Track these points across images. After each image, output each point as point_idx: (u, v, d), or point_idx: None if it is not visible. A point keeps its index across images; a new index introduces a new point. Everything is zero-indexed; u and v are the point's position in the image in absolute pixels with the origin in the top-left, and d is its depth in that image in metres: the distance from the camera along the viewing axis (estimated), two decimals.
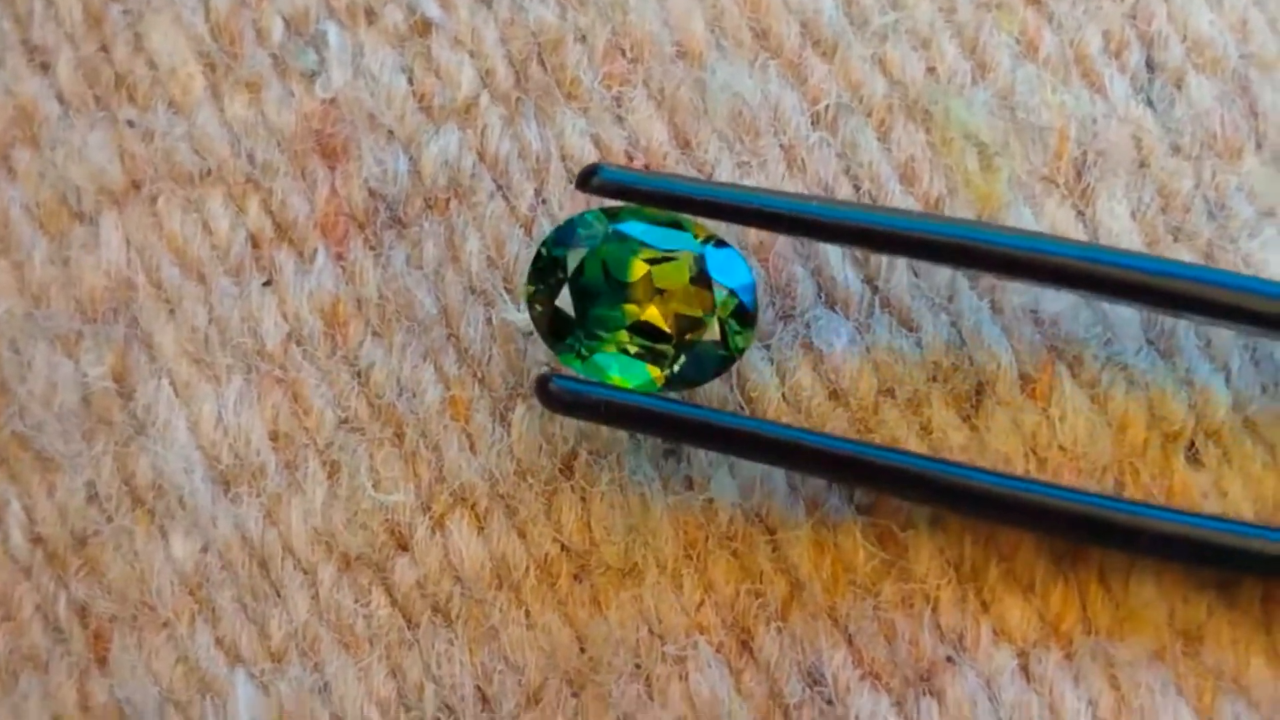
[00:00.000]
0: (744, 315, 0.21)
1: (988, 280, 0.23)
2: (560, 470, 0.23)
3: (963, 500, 0.21)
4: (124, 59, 0.24)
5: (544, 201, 0.23)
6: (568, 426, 0.23)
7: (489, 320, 0.23)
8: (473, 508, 0.23)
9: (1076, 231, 0.23)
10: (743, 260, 0.22)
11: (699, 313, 0.21)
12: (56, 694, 0.23)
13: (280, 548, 0.23)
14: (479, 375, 0.23)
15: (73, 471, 0.24)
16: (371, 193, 0.24)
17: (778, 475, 0.22)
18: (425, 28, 0.24)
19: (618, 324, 0.21)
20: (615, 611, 0.22)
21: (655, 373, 0.21)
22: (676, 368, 0.21)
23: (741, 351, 0.22)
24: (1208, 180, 0.23)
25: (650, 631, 0.22)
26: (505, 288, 0.23)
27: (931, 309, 0.23)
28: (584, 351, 0.22)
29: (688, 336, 0.21)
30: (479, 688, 0.23)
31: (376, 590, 0.23)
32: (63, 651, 0.23)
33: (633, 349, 0.21)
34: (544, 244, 0.22)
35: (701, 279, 0.21)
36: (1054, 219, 0.23)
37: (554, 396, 0.21)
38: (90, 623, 0.23)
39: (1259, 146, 0.23)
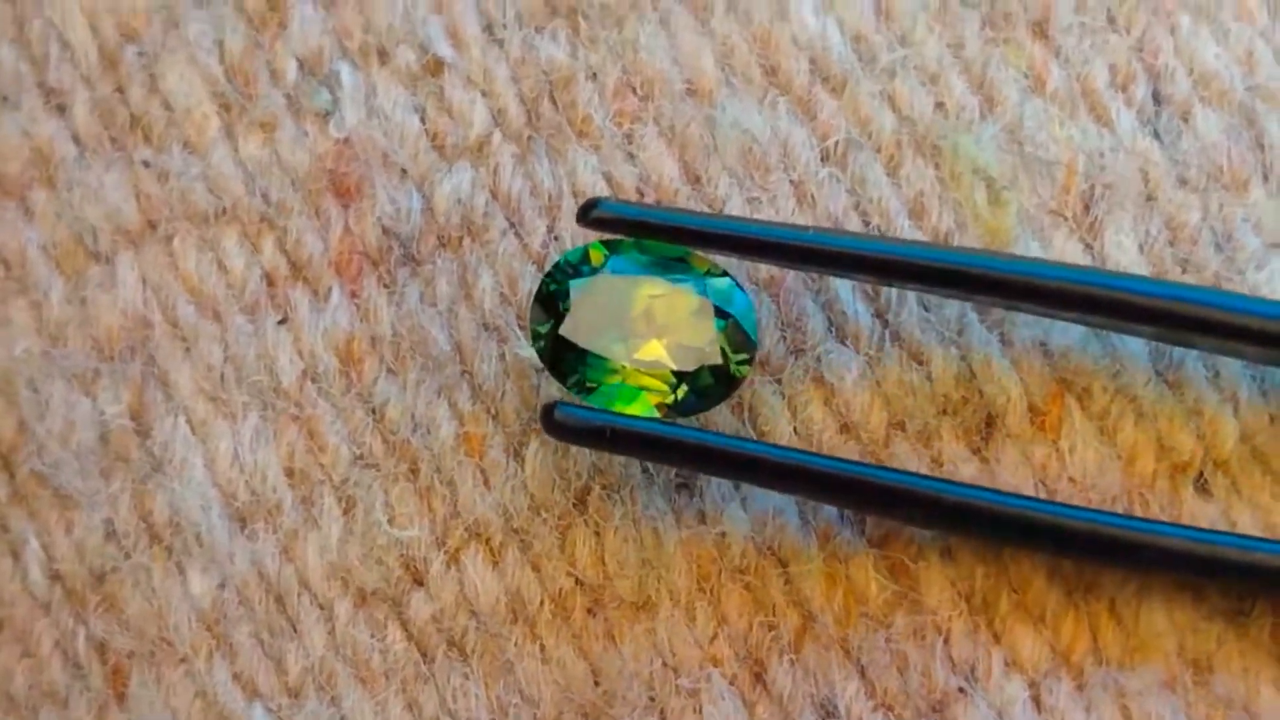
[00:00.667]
0: (744, 342, 0.22)
1: (997, 313, 0.23)
2: (574, 505, 0.23)
3: (972, 522, 0.22)
4: (139, 100, 0.25)
5: (556, 238, 0.24)
6: (581, 462, 0.23)
7: (502, 356, 0.23)
8: (487, 542, 0.23)
9: (1085, 260, 0.23)
10: (740, 289, 0.22)
11: (700, 343, 0.21)
12: None
13: (296, 583, 0.23)
14: (493, 411, 0.23)
15: (90, 509, 0.24)
16: (385, 231, 0.24)
17: (790, 508, 0.23)
18: (437, 67, 0.24)
19: (620, 356, 0.21)
20: (629, 645, 0.23)
21: (658, 401, 0.22)
22: (679, 396, 0.22)
23: (744, 378, 0.22)
24: (1215, 212, 0.23)
25: (664, 664, 0.22)
26: (518, 324, 0.23)
27: (941, 342, 0.23)
28: (588, 383, 0.22)
29: (689, 366, 0.21)
30: None
31: (392, 625, 0.23)
32: (82, 687, 0.24)
33: (635, 380, 0.22)
34: (546, 277, 0.22)
35: (701, 309, 0.21)
36: (1062, 252, 0.23)
37: (560, 424, 0.22)
38: (109, 659, 0.24)
39: (1266, 179, 0.23)
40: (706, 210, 0.23)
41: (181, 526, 0.24)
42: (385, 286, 0.24)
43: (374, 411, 0.23)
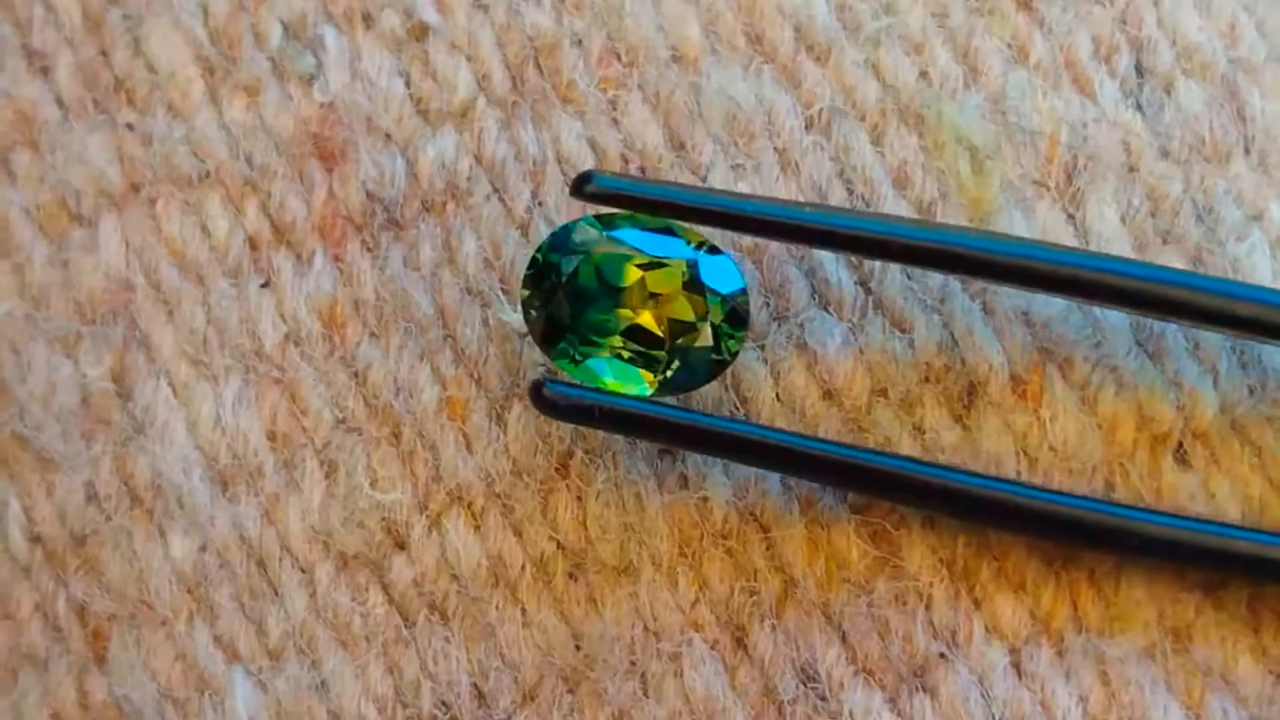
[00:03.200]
0: (736, 320, 0.22)
1: (979, 283, 0.23)
2: (556, 469, 0.23)
3: (954, 504, 0.22)
4: (123, 63, 0.25)
5: (540, 204, 0.24)
6: (564, 427, 0.23)
7: (485, 321, 0.23)
8: (469, 507, 0.23)
9: (1066, 234, 0.23)
10: (735, 266, 0.22)
11: (692, 318, 0.21)
12: (55, 692, 0.23)
13: (278, 547, 0.23)
14: (475, 376, 0.23)
15: (72, 471, 0.24)
16: (369, 195, 0.24)
17: (772, 475, 0.23)
18: (422, 32, 0.24)
19: (611, 329, 0.22)
20: (611, 609, 0.23)
21: (648, 378, 0.22)
22: (669, 373, 0.22)
23: (734, 356, 0.22)
24: (1196, 184, 0.23)
25: (645, 629, 0.23)
26: (502, 289, 0.23)
27: (924, 310, 0.23)
28: (578, 356, 0.22)
29: (680, 341, 0.22)
30: (475, 685, 0.23)
31: (373, 588, 0.23)
32: (62, 650, 0.24)
33: (626, 354, 0.22)
34: (539, 250, 0.22)
35: (694, 285, 0.22)
36: (1045, 222, 0.23)
37: (548, 401, 0.22)
38: (89, 621, 0.24)
39: (1247, 151, 0.23)
40: (698, 184, 0.23)
41: (163, 489, 0.24)
42: (369, 250, 0.24)
43: (356, 375, 0.23)
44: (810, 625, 0.22)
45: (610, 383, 0.22)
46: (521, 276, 0.22)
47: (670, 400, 0.22)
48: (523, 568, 0.23)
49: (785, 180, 0.23)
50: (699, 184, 0.23)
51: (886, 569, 0.22)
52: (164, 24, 0.25)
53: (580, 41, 0.24)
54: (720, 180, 0.23)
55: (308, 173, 0.24)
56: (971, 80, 0.23)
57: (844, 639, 0.22)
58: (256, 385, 0.24)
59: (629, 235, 0.22)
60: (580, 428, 0.23)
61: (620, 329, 0.22)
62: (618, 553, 0.23)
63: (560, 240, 0.22)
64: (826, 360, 0.23)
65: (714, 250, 0.22)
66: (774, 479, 0.23)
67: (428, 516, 0.23)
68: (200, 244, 0.24)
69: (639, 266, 0.21)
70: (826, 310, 0.23)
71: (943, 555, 0.22)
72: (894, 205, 0.23)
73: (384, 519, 0.23)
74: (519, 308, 0.23)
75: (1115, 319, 0.23)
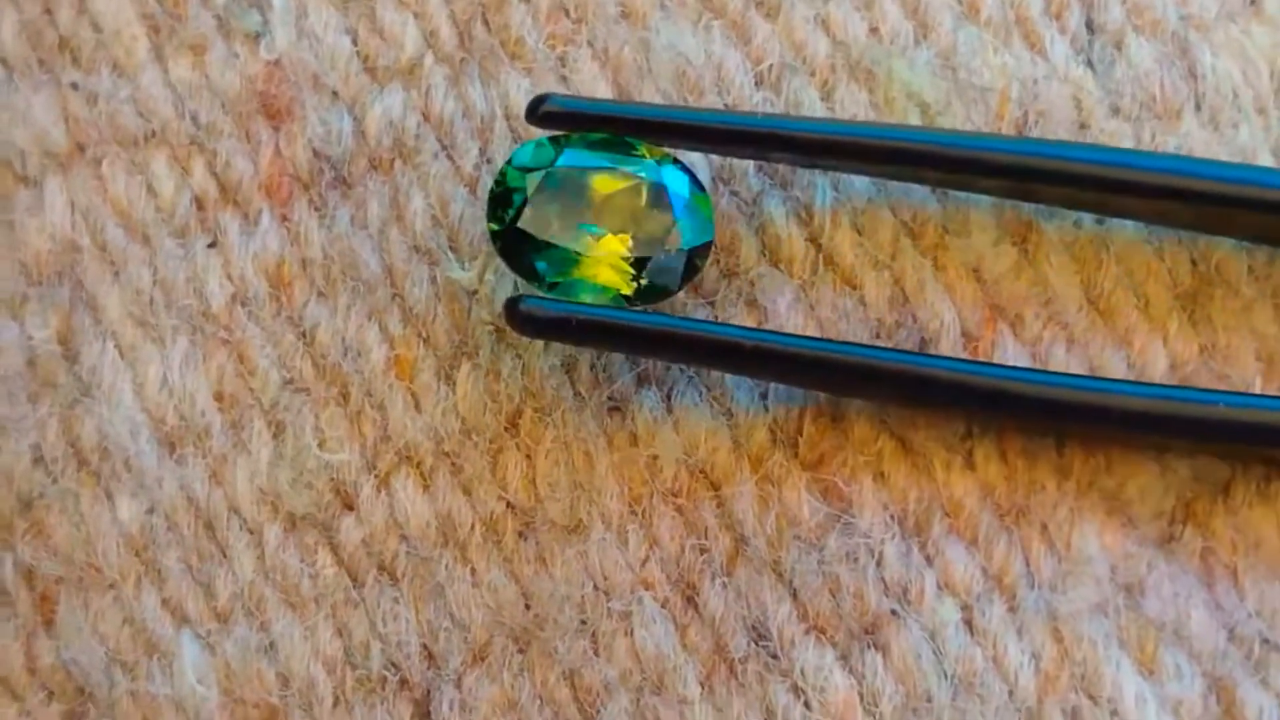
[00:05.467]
0: (701, 228, 0.22)
1: (930, 239, 0.23)
2: (505, 428, 0.23)
3: (942, 394, 0.22)
4: (68, 22, 0.24)
5: (489, 161, 0.23)
6: (513, 385, 0.23)
7: (434, 279, 0.23)
8: (418, 466, 0.23)
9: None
10: (694, 176, 0.22)
11: (658, 231, 0.21)
12: (3, 656, 0.23)
13: (226, 508, 0.23)
14: (424, 334, 0.23)
15: (18, 435, 0.24)
16: (316, 153, 0.24)
17: (722, 431, 0.22)
18: None
19: (578, 247, 0.21)
20: (560, 568, 0.22)
21: (618, 292, 0.22)
22: (640, 285, 0.22)
23: (703, 264, 0.22)
24: (1147, 141, 0.23)
25: (595, 588, 0.22)
26: (450, 247, 0.23)
27: (875, 266, 0.23)
28: (549, 275, 0.22)
29: (648, 253, 0.21)
30: (425, 645, 0.23)
31: (322, 549, 0.23)
32: (9, 614, 0.23)
33: (594, 272, 0.21)
34: (499, 176, 0.22)
35: (657, 196, 0.21)
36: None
37: (525, 316, 0.21)
38: (37, 585, 0.23)
39: (1198, 108, 0.23)
40: (653, 102, 0.23)
41: (110, 452, 0.23)
42: (316, 209, 0.24)
43: (304, 335, 0.23)
44: (761, 583, 0.22)
45: (584, 298, 0.22)
46: (485, 207, 0.22)
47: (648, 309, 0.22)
48: (472, 527, 0.23)
49: None
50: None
51: (838, 526, 0.22)
52: None
53: None
54: None
55: (254, 131, 0.24)
56: (922, 36, 0.23)
57: (795, 596, 0.22)
58: (204, 346, 0.23)
59: (586, 154, 0.22)
60: (529, 387, 0.23)
61: (587, 246, 0.21)
62: (567, 511, 0.23)
63: (519, 163, 0.22)
64: (777, 317, 0.23)
65: (672, 161, 0.22)
66: (724, 437, 0.22)
67: (376, 476, 0.23)
68: (146, 204, 0.24)
69: (600, 183, 0.21)
70: (777, 267, 0.23)
71: (894, 511, 0.22)
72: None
73: (332, 479, 0.23)
74: (468, 266, 0.23)
75: (1066, 276, 0.23)
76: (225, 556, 0.23)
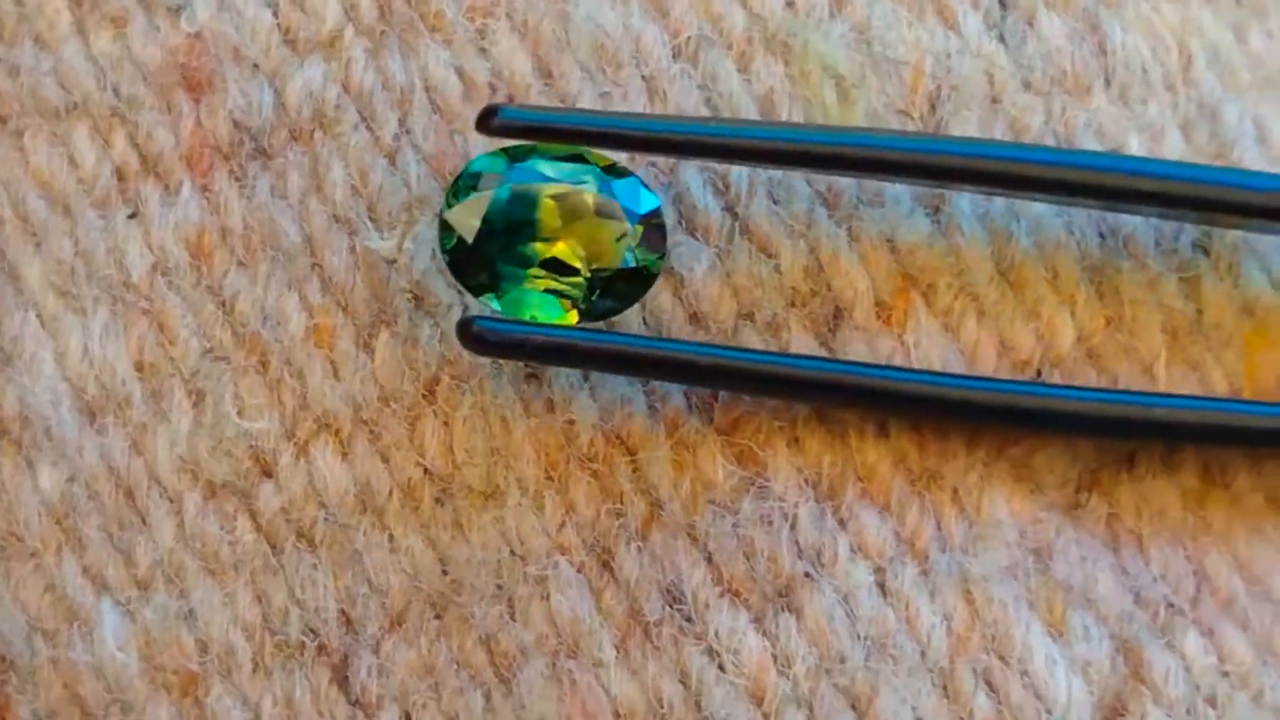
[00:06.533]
0: (653, 241, 0.22)
1: (846, 208, 0.23)
2: (423, 395, 0.23)
3: (928, 408, 0.22)
4: None
5: (408, 132, 0.24)
6: (430, 353, 0.23)
7: (353, 249, 0.23)
8: (336, 434, 0.23)
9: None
10: (645, 186, 0.22)
11: (608, 244, 0.22)
12: None
13: (146, 477, 0.23)
14: (343, 303, 0.23)
15: None
16: (236, 125, 0.24)
17: (638, 397, 0.23)
18: None
19: (529, 261, 0.22)
20: (477, 534, 0.23)
21: (569, 307, 0.22)
22: (592, 299, 0.22)
23: (655, 276, 0.22)
24: (1058, 116, 0.23)
25: (512, 553, 0.23)
26: (369, 216, 0.23)
27: (790, 236, 0.23)
28: (500, 290, 0.22)
29: (599, 267, 0.22)
30: (343, 611, 0.23)
31: (241, 517, 0.23)
32: None
33: (546, 285, 0.22)
34: (449, 193, 0.22)
35: (608, 209, 0.22)
36: None
37: (477, 337, 0.22)
38: None
39: (1108, 84, 0.23)
40: (607, 110, 0.23)
41: (31, 421, 0.23)
42: (236, 180, 0.24)
43: (224, 304, 0.23)
44: (676, 547, 0.22)
45: (534, 315, 0.22)
46: (438, 222, 0.22)
47: (599, 326, 0.22)
48: (390, 494, 0.23)
49: (652, 108, 0.23)
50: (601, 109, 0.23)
51: (752, 490, 0.23)
52: None
53: None
54: (587, 107, 0.23)
55: (175, 103, 0.24)
56: (837, 10, 0.24)
57: (709, 560, 0.22)
58: (124, 316, 0.24)
59: (537, 166, 0.22)
60: (446, 355, 0.23)
61: (538, 260, 0.22)
62: (484, 477, 0.23)
63: (469, 179, 0.22)
64: (693, 284, 0.23)
65: (624, 172, 0.22)
66: (640, 403, 0.23)
67: (295, 444, 0.23)
68: (68, 175, 0.24)
69: (551, 197, 0.21)
70: (693, 235, 0.23)
71: (808, 476, 0.23)
72: None
73: (251, 447, 0.23)
74: (387, 235, 0.23)
75: (978, 247, 0.23)
76: (145, 524, 0.23)
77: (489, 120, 0.22)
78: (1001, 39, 0.24)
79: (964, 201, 0.23)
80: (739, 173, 0.23)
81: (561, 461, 0.23)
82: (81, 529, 0.23)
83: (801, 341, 0.23)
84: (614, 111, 0.23)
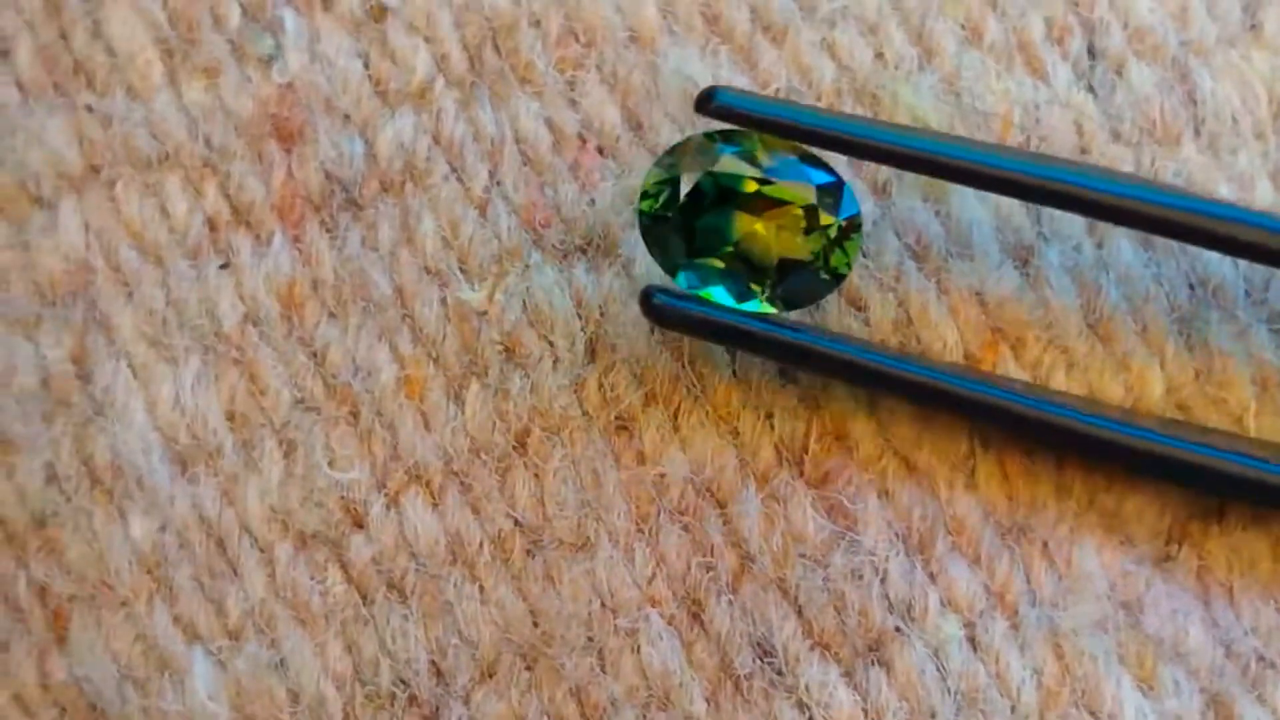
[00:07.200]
0: (848, 245, 0.22)
1: (935, 261, 0.23)
2: (514, 447, 0.23)
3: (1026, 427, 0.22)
4: (83, 46, 0.25)
5: (499, 184, 0.24)
6: (521, 404, 0.23)
7: (443, 300, 0.23)
8: (427, 485, 0.23)
9: (1020, 215, 0.23)
10: (851, 190, 0.22)
11: (803, 237, 0.22)
12: (16, 673, 0.23)
13: (237, 526, 0.23)
14: (433, 355, 0.23)
15: (32, 453, 0.24)
16: (327, 175, 0.24)
17: (729, 450, 0.23)
18: (381, 13, 0.24)
19: (723, 240, 0.22)
20: (568, 585, 0.23)
21: (757, 292, 0.22)
22: (777, 290, 0.22)
23: (843, 278, 0.22)
24: (1147, 166, 0.23)
25: (603, 605, 0.23)
26: (460, 268, 0.23)
27: (880, 289, 0.23)
28: (688, 265, 0.22)
29: (790, 258, 0.22)
30: (434, 662, 0.23)
31: (332, 567, 0.23)
32: (23, 631, 0.24)
33: (736, 268, 0.22)
34: (658, 163, 0.22)
35: (810, 205, 0.21)
36: (998, 201, 0.23)
37: (657, 311, 0.22)
38: (50, 602, 0.24)
39: (1197, 133, 0.23)
40: (822, 106, 0.23)
41: (122, 470, 0.24)
42: (327, 231, 0.24)
43: (315, 355, 0.24)
44: (766, 600, 0.23)
45: (717, 297, 0.22)
46: (641, 186, 0.22)
47: (781, 318, 0.22)
48: (480, 545, 0.23)
49: None
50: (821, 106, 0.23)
51: (842, 543, 0.23)
52: (123, 6, 0.25)
53: (538, 22, 0.24)
54: None
55: (266, 153, 0.24)
56: (926, 61, 0.24)
57: (800, 613, 0.22)
58: (215, 366, 0.24)
59: (747, 152, 0.22)
60: (536, 406, 0.23)
61: (735, 238, 0.21)
62: (575, 529, 0.23)
63: (680, 154, 0.22)
64: None
65: (830, 171, 0.22)
66: (730, 456, 0.23)
67: (386, 495, 0.23)
68: (159, 225, 0.24)
69: (757, 180, 0.21)
70: None
71: (898, 529, 0.23)
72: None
73: (342, 498, 0.23)
74: (477, 287, 0.23)
75: (1067, 300, 0.23)
76: (236, 574, 0.23)
77: (707, 102, 0.22)
78: (1090, 89, 0.24)
79: (1053, 253, 0.23)
80: None
81: (652, 514, 0.23)
82: (173, 578, 0.23)
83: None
84: (831, 110, 0.23)
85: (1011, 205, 0.23)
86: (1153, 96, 0.24)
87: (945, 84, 0.24)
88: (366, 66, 0.24)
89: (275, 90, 0.24)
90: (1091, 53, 0.24)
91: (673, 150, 0.22)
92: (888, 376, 0.22)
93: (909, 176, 0.23)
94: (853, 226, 0.22)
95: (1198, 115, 0.23)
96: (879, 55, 0.24)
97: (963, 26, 0.24)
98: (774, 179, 0.21)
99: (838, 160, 0.23)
